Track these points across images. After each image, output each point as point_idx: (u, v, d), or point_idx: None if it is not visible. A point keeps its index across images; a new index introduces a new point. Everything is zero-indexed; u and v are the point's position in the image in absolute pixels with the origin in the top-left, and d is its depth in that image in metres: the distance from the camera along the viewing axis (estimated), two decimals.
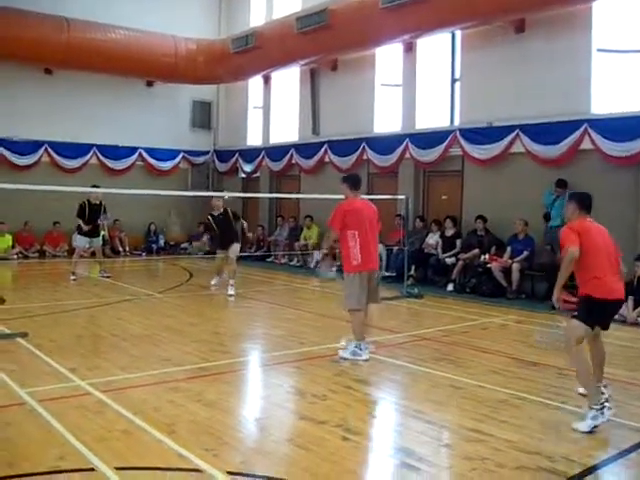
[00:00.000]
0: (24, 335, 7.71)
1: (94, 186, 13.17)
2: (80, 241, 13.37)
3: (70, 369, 6.35)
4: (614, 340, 8.59)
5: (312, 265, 16.28)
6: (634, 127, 10.98)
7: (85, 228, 13.06)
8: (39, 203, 16.38)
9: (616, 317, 9.72)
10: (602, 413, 4.98)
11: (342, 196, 7.53)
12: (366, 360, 7.04)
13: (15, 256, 16.98)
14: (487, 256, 12.37)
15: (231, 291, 11.69)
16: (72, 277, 12.97)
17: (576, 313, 5.33)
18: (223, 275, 12.32)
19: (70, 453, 4.29)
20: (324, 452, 4.45)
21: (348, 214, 7.21)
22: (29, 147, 17.82)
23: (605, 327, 5.45)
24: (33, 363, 6.65)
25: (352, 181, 7.48)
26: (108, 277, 13.45)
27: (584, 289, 5.33)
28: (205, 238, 18.32)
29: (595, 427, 4.93)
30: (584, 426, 4.95)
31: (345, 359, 7.05)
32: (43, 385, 5.84)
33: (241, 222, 12.58)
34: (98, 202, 13.22)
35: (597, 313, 5.30)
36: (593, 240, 5.35)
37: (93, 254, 13.96)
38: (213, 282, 12.39)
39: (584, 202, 5.63)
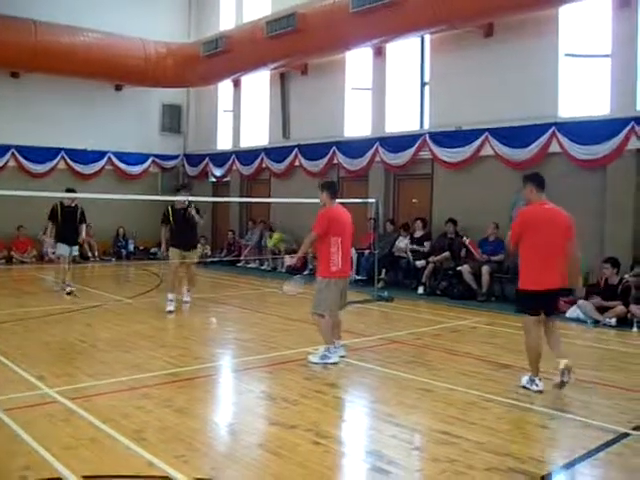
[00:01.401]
0: None
1: (69, 190, 12.27)
2: (61, 249, 12.09)
3: (38, 377, 6.25)
4: (581, 341, 8.74)
5: (283, 270, 16.21)
6: (600, 130, 11.18)
7: (51, 234, 12.28)
8: (5, 208, 16.11)
9: (582, 318, 9.92)
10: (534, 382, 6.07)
11: (314, 200, 7.52)
12: (335, 363, 7.06)
13: None
14: (468, 240, 12.48)
15: (187, 297, 11.14)
16: (68, 288, 11.89)
17: (515, 308, 6.46)
18: (184, 290, 11.08)
19: (37, 462, 4.23)
20: (295, 457, 4.44)
21: (333, 221, 7.22)
22: None
23: (547, 313, 6.08)
24: None
25: (333, 189, 7.46)
26: (69, 293, 11.86)
27: (519, 281, 6.11)
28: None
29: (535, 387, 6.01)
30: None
31: (315, 363, 7.05)
32: (9, 393, 5.73)
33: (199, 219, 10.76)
34: (73, 205, 12.14)
35: (527, 302, 6.05)
36: (537, 230, 5.86)
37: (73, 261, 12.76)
38: (169, 307, 10.31)
39: (540, 180, 6.11)
